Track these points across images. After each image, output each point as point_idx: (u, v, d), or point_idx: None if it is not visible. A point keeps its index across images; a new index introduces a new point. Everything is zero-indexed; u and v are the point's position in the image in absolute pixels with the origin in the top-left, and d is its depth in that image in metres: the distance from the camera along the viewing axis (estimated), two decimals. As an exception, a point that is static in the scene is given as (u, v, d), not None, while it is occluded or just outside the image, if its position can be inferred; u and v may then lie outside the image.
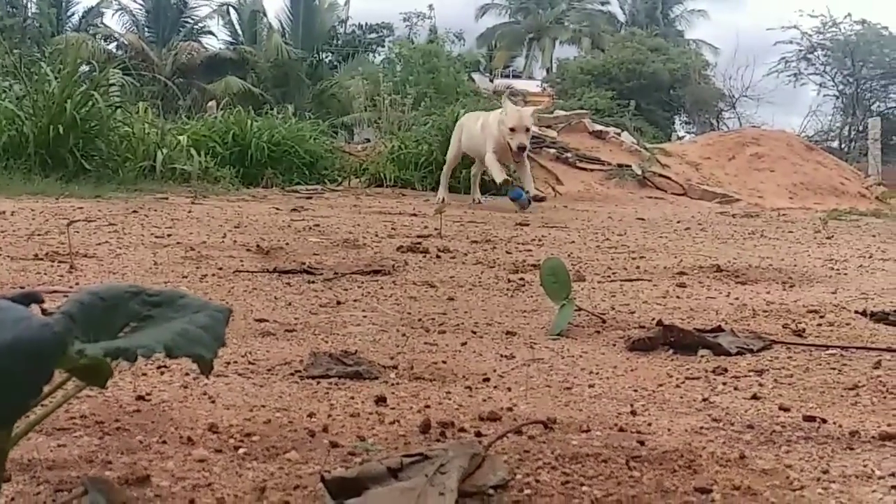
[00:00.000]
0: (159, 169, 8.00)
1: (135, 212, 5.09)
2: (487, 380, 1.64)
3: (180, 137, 8.80)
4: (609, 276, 3.15)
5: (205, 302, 0.85)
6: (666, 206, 9.27)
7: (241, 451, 1.19)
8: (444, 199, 7.81)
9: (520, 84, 30.72)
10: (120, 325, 0.80)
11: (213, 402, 1.43)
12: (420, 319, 2.24)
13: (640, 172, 10.97)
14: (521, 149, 7.10)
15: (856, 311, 2.41)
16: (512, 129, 7.07)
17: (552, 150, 11.08)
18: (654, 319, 2.21)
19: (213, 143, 9.28)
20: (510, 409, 1.43)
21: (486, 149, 7.55)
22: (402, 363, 1.74)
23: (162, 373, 1.59)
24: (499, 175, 7.46)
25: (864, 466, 1.17)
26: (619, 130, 12.83)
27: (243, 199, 7.00)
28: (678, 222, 5.80)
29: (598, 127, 12.54)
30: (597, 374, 1.71)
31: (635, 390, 1.59)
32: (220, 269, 3.01)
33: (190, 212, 5.33)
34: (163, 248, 3.49)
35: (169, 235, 3.96)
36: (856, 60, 29.41)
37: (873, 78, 29.99)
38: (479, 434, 1.29)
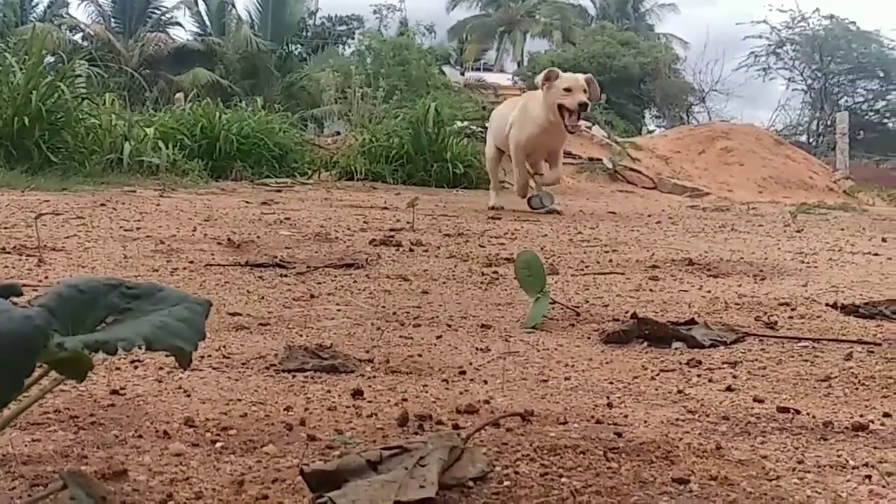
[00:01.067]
0: (126, 161, 7.92)
1: (102, 205, 5.03)
2: (464, 373, 1.64)
3: (148, 130, 8.70)
4: (582, 270, 3.16)
5: (184, 294, 0.85)
6: (637, 199, 9.33)
7: (218, 444, 1.19)
8: (493, 206, 6.71)
9: (491, 77, 30.73)
10: (99, 318, 0.79)
11: (188, 396, 1.42)
12: (395, 313, 2.23)
13: (610, 166, 11.03)
14: (583, 106, 6.18)
15: (826, 304, 2.44)
16: (567, 90, 6.16)
17: (523, 144, 11.07)
18: (627, 312, 2.22)
19: (181, 136, 9.20)
20: (487, 402, 1.43)
21: (516, 133, 6.57)
22: (378, 357, 1.74)
23: (136, 367, 1.58)
24: (522, 180, 6.59)
25: (839, 456, 1.19)
26: (589, 124, 12.87)
27: (212, 193, 6.94)
28: (649, 216, 5.84)
29: (569, 121, 12.54)
30: (572, 366, 1.72)
31: (611, 382, 1.60)
32: (191, 262, 2.99)
33: (158, 205, 5.28)
34: (132, 242, 3.46)
35: (138, 229, 3.92)
36: (824, 55, 29.74)
37: (841, 73, 30.36)
38: (456, 427, 1.29)
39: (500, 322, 2.15)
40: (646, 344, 1.91)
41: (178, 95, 13.82)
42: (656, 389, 1.55)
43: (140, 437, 1.20)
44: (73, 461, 1.10)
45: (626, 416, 1.37)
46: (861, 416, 1.39)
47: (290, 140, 10.42)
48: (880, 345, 1.93)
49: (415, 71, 19.04)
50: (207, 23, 34.97)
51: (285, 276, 2.80)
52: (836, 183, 12.44)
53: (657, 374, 1.67)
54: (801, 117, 30.68)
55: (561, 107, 6.23)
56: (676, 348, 1.88)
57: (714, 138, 12.76)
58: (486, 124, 8.02)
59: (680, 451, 1.19)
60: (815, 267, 3.36)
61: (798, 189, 11.45)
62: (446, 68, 28.83)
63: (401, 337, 1.95)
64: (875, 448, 1.23)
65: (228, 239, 3.63)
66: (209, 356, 1.68)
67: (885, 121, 31.94)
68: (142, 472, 1.07)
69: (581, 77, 6.36)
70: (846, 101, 30.57)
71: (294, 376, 1.57)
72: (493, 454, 1.15)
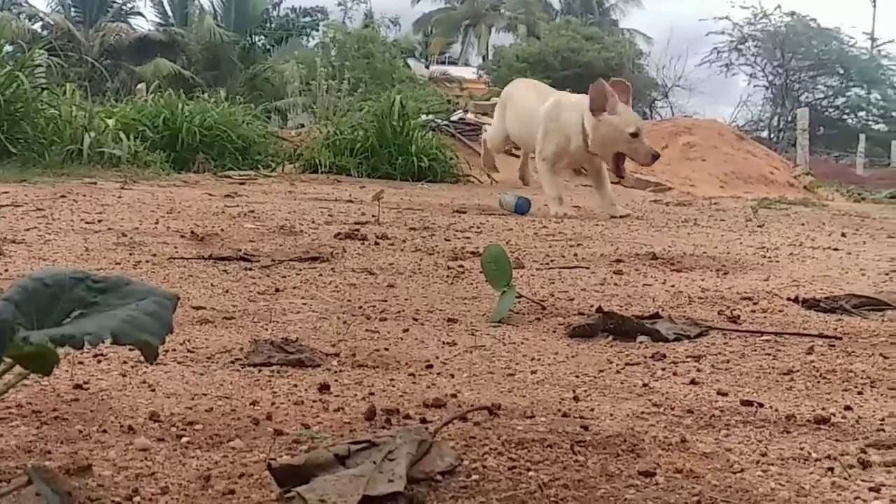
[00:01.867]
0: (87, 153, 7.80)
1: (63, 196, 4.96)
2: (430, 366, 1.64)
3: (109, 121, 8.58)
4: (548, 264, 3.18)
5: (151, 288, 0.84)
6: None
7: (184, 439, 1.18)
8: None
9: (456, 71, 30.70)
10: (65, 312, 0.78)
11: (153, 390, 1.40)
12: (361, 307, 2.23)
13: (574, 160, 11.05)
14: (656, 157, 5.42)
15: (788, 298, 2.47)
16: (634, 134, 5.21)
17: (488, 138, 11.09)
18: (593, 306, 2.23)
19: (142, 127, 9.09)
20: (454, 396, 1.43)
21: (542, 146, 5.66)
22: (345, 350, 1.73)
23: (99, 361, 1.56)
24: (553, 193, 5.56)
25: (801, 449, 1.20)
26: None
27: (175, 185, 6.87)
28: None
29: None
30: (539, 360, 1.73)
31: (577, 376, 1.61)
32: (154, 255, 2.96)
33: (120, 197, 5.22)
34: (94, 234, 3.42)
35: (100, 221, 3.87)
36: (785, 52, 30.14)
37: (802, 69, 30.78)
38: (424, 421, 1.29)
39: (466, 316, 2.16)
40: (611, 338, 1.93)
41: (139, 86, 13.67)
42: (622, 383, 1.57)
43: (104, 431, 1.19)
44: (37, 456, 1.08)
45: (592, 410, 1.38)
46: (823, 409, 1.41)
47: (253, 132, 10.33)
48: (841, 339, 1.96)
49: (379, 64, 19.00)
50: (170, 13, 34.61)
51: (250, 269, 2.78)
52: (796, 178, 12.58)
53: (622, 368, 1.68)
54: (762, 113, 31.08)
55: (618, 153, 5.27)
56: (641, 342, 1.90)
57: (677, 134, 12.86)
58: (494, 101, 7.10)
59: (646, 444, 1.20)
60: (777, 261, 3.40)
61: (759, 184, 11.57)
62: (411, 61, 28.75)
63: (367, 331, 1.94)
64: (837, 441, 1.24)
65: (192, 232, 3.60)
66: (174, 350, 1.67)
67: (845, 117, 32.46)
68: (107, 468, 1.06)
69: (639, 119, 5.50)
70: (807, 97, 31.01)
71: (260, 370, 1.56)
72: (461, 448, 1.16)
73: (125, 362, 1.55)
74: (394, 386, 1.49)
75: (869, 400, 1.47)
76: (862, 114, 32.33)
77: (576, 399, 1.44)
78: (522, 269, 2.99)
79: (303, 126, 13.37)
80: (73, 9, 33.56)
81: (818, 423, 1.33)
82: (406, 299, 2.36)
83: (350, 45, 19.67)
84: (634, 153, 5.29)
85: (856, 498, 1.03)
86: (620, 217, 5.40)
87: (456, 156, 10.03)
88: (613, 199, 5.67)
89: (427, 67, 32.61)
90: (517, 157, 7.75)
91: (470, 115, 12.13)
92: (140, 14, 35.81)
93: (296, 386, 1.47)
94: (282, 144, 10.77)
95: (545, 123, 5.64)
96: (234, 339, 1.79)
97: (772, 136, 29.16)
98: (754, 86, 31.62)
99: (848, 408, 1.41)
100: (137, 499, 0.98)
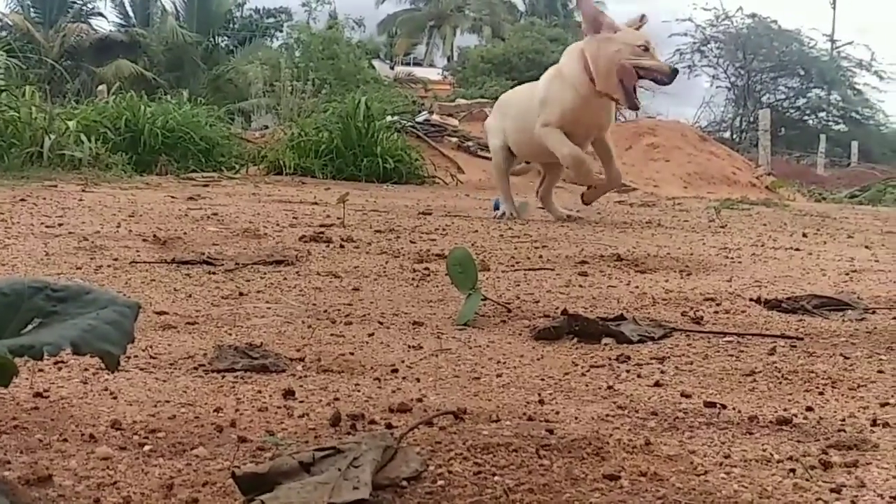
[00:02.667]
0: (47, 155, 7.71)
1: (22, 200, 4.90)
2: (396, 371, 1.64)
3: (69, 122, 8.48)
4: (513, 266, 3.18)
5: (113, 296, 0.83)
6: (564, 195, 9.41)
7: (146, 447, 1.16)
8: (506, 213, 5.46)
9: (421, 72, 30.73)
10: (24, 322, 0.77)
11: (114, 398, 1.39)
12: (326, 310, 2.22)
13: (539, 161, 11.09)
14: (675, 73, 4.74)
15: (750, 299, 2.50)
16: (644, 49, 4.63)
17: (454, 139, 11.14)
18: (558, 308, 2.24)
19: (104, 129, 9.00)
20: (420, 401, 1.43)
21: (544, 111, 4.97)
22: (310, 355, 1.72)
23: (60, 368, 1.54)
24: (567, 150, 4.85)
25: (764, 451, 1.21)
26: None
27: (137, 187, 6.81)
28: (578, 211, 5.90)
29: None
30: (504, 363, 1.73)
31: (542, 379, 1.61)
32: (116, 259, 2.93)
33: (81, 200, 5.16)
34: (54, 238, 3.37)
35: (60, 225, 3.82)
36: (747, 53, 30.50)
37: (763, 70, 31.17)
38: (389, 426, 1.29)
39: (431, 319, 2.15)
40: (576, 340, 1.93)
41: (100, 87, 13.54)
42: (587, 385, 1.57)
43: (65, 440, 1.17)
44: (-5, 468, 1.06)
45: (557, 413, 1.38)
46: (785, 409, 1.42)
47: (216, 134, 10.28)
48: (802, 339, 1.98)
49: (344, 65, 18.97)
50: (131, 13, 34.26)
51: (213, 273, 2.76)
52: (758, 179, 12.74)
53: (587, 370, 1.69)
54: (724, 114, 31.40)
55: (625, 71, 4.60)
56: (606, 344, 1.90)
57: (640, 134, 12.96)
58: (488, 111, 6.15)
59: (610, 448, 1.21)
60: (739, 262, 3.44)
61: (722, 184, 11.69)
62: (376, 62, 28.72)
63: (332, 335, 1.93)
64: (798, 442, 1.26)
65: (154, 235, 3.57)
66: (136, 357, 1.65)
67: (806, 118, 32.90)
68: (67, 477, 1.04)
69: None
70: (768, 98, 31.40)
71: (224, 376, 1.55)
72: (426, 453, 1.16)
73: (86, 370, 1.53)
74: (359, 391, 1.49)
75: (830, 400, 1.49)
76: (822, 114, 32.77)
77: (541, 402, 1.45)
78: (488, 271, 2.99)
79: (267, 127, 13.31)
80: (32, 9, 33.09)
81: (780, 424, 1.34)
82: (371, 303, 2.36)
83: (314, 47, 19.61)
84: (650, 71, 4.63)
85: (817, 499, 1.04)
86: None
87: (421, 157, 10.04)
88: (619, 180, 5.29)
89: (392, 68, 32.62)
90: (486, 158, 7.40)
91: (435, 117, 12.14)
92: (101, 15, 35.45)
93: (260, 392, 1.46)
94: (245, 146, 10.71)
95: (545, 91, 5.02)
96: (197, 345, 1.77)
97: (734, 136, 29.47)
98: (717, 87, 31.95)
99: (809, 408, 1.43)
100: (99, 509, 0.97)
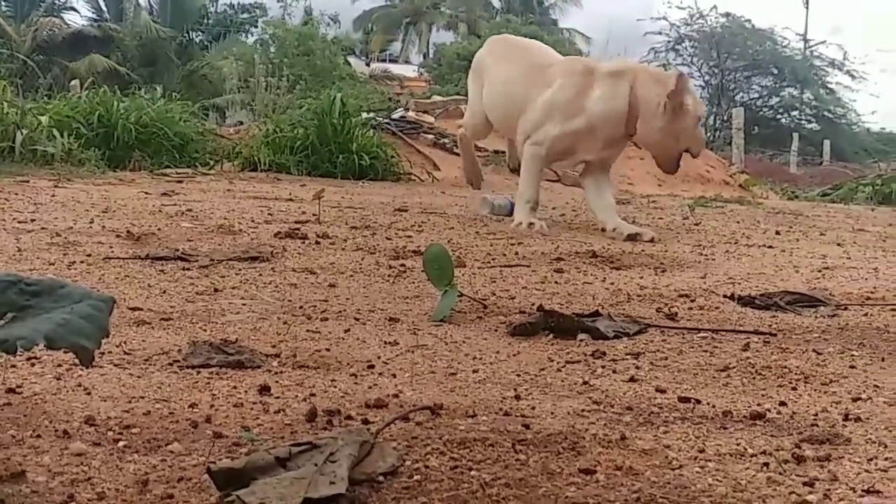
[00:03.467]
0: (19, 150, 7.63)
1: (-5, 195, 4.84)
2: (372, 367, 1.63)
3: (41, 118, 8.39)
4: (489, 262, 3.19)
5: (87, 291, 0.82)
6: (541, 192, 9.42)
7: (120, 443, 1.16)
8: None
9: (396, 68, 30.69)
10: (-4, 317, 0.76)
11: (88, 393, 1.38)
12: (301, 307, 2.21)
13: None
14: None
15: (724, 296, 2.52)
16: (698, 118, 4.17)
17: (430, 136, 11.11)
18: (534, 304, 2.25)
19: (76, 124, 8.90)
20: (396, 396, 1.43)
21: (541, 127, 4.21)
22: (285, 351, 1.72)
23: (33, 364, 1.52)
24: (529, 195, 4.32)
25: (738, 445, 1.22)
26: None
27: (110, 183, 6.75)
28: (553, 208, 5.90)
29: (475, 113, 12.61)
30: (480, 359, 1.73)
31: (518, 375, 1.62)
32: (89, 255, 2.90)
33: (54, 195, 5.11)
34: (26, 234, 3.34)
35: (32, 220, 3.78)
36: (721, 52, 30.68)
37: (737, 69, 31.37)
38: (366, 421, 1.29)
39: (408, 315, 2.15)
40: (552, 336, 1.94)
41: (73, 82, 13.41)
42: (562, 381, 1.58)
43: (39, 436, 1.17)
44: (-33, 464, 1.05)
45: (533, 408, 1.39)
46: (758, 404, 1.43)
47: (191, 129, 10.19)
48: (775, 335, 2.00)
49: (319, 61, 18.90)
50: (104, 8, 33.93)
51: (188, 269, 2.74)
52: (731, 177, 12.80)
53: (563, 366, 1.69)
54: (698, 112, 31.49)
55: (694, 139, 4.15)
56: (581, 340, 1.91)
57: (615, 132, 12.97)
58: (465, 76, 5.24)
59: (586, 442, 1.22)
60: (713, 259, 3.46)
61: (696, 182, 11.74)
62: (352, 59, 28.65)
63: (308, 331, 1.93)
64: (772, 436, 1.27)
65: (128, 231, 3.54)
66: (110, 352, 1.63)
67: (779, 116, 33.14)
68: (41, 473, 1.03)
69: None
70: (742, 96, 31.63)
71: (199, 372, 1.54)
72: (403, 448, 1.16)
73: (60, 365, 1.52)
74: (335, 386, 1.49)
75: (803, 395, 1.50)
76: (795, 113, 33.04)
77: (517, 398, 1.45)
78: (464, 267, 3.00)
79: (241, 123, 13.22)
80: (3, 3, 32.75)
81: (754, 418, 1.35)
82: (347, 299, 2.35)
83: (290, 42, 19.51)
84: (697, 143, 4.23)
85: (790, 493, 1.06)
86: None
87: (397, 154, 10.00)
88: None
89: (368, 65, 32.53)
90: (455, 154, 6.70)
91: (411, 114, 12.11)
92: (73, 9, 35.06)
93: (235, 388, 1.45)
94: (220, 142, 10.63)
95: (561, 97, 4.18)
96: (172, 341, 1.76)
97: (708, 134, 29.65)
98: (691, 85, 32.11)
99: (783, 403, 1.44)
100: (73, 505, 0.96)
